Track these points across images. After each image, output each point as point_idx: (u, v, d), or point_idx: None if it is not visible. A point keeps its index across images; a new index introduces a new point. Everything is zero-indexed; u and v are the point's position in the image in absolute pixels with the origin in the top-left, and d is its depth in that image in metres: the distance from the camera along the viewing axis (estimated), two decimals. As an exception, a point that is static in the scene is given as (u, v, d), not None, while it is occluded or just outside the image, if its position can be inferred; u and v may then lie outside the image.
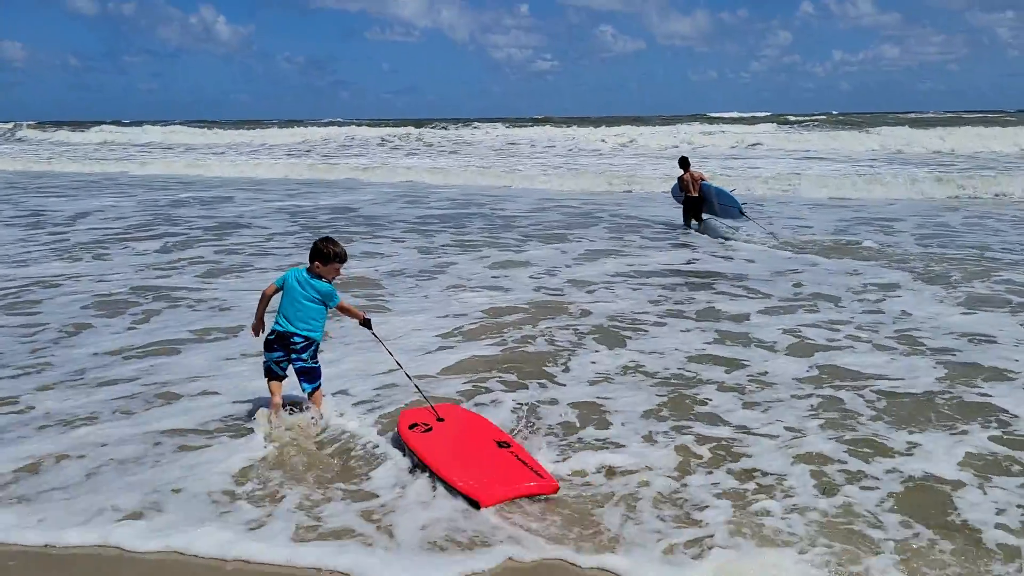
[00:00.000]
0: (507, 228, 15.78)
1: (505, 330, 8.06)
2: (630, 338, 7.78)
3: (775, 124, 54.56)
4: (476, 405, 6.05)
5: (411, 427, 5.17)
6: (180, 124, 72.96)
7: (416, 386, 5.75)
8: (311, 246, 5.42)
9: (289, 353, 5.47)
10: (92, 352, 7.28)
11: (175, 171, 33.79)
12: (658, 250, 13.13)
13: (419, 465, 4.86)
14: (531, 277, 10.82)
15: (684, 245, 13.76)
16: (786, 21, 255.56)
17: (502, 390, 6.40)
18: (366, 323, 5.66)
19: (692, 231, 15.37)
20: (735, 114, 78.13)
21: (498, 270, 11.36)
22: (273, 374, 5.58)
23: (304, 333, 5.43)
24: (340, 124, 66.25)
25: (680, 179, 15.74)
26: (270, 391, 5.60)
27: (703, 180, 15.45)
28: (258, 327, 5.73)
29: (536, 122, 66.38)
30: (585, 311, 8.84)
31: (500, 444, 4.96)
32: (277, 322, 5.45)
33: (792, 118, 66.40)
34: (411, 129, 55.71)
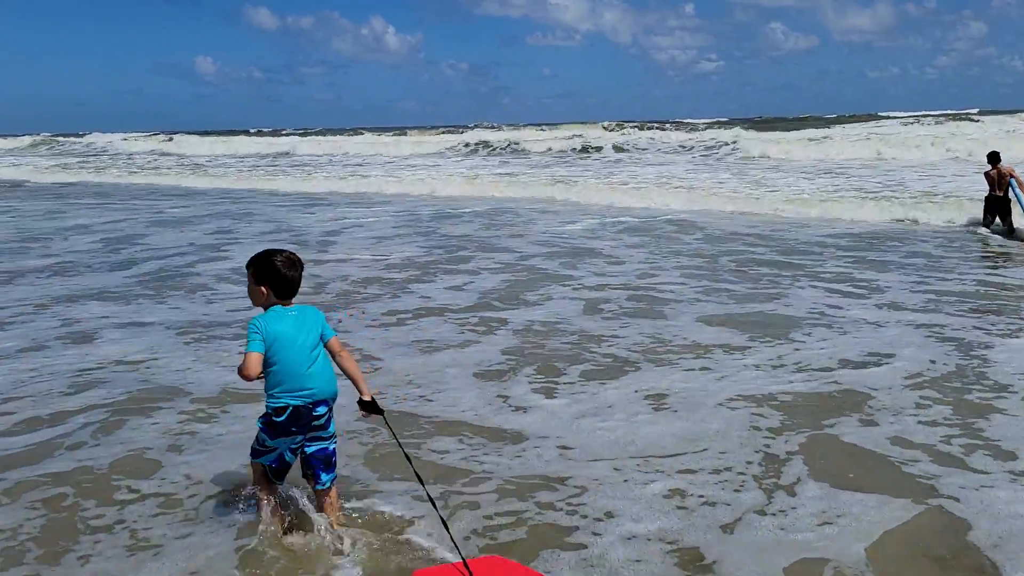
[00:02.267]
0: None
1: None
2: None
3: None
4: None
5: None
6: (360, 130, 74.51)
7: (443, 520, 3.80)
8: (256, 263, 3.87)
9: (309, 433, 3.93)
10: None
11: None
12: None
13: None
14: None
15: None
16: (980, 11, 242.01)
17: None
18: (369, 405, 4.00)
19: (987, 231, 14.29)
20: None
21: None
22: (280, 472, 4.03)
23: (333, 394, 3.95)
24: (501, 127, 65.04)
25: (986, 175, 14.45)
26: (266, 500, 4.04)
27: (1012, 177, 13.98)
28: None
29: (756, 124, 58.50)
30: None
31: None
32: (293, 392, 3.80)
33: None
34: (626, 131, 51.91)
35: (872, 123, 53.27)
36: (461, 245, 14.56)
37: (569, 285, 10.67)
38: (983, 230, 14.49)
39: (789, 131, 46.30)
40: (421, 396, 6.34)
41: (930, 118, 53.60)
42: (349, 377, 4.00)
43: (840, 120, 58.92)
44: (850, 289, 10.09)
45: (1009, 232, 13.98)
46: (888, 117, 60.36)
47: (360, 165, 42.46)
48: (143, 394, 6.48)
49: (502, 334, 8.24)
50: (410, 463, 3.97)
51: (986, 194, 14.53)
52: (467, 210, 20.76)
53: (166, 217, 20.81)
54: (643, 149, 42.88)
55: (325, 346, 3.91)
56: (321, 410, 3.89)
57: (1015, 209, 14.01)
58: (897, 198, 19.46)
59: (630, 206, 20.87)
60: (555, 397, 6.25)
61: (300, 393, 3.81)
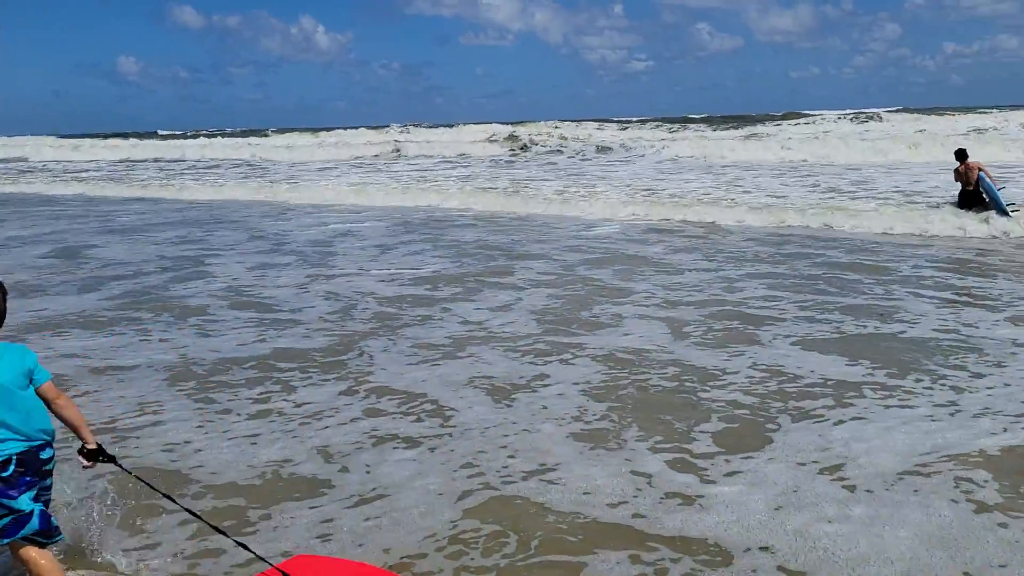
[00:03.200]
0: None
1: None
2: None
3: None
4: None
5: None
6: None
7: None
8: None
9: (43, 480, 3.38)
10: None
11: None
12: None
13: None
14: None
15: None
16: (894, 13, 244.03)
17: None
18: (94, 453, 3.49)
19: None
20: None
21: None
22: (37, 536, 3.30)
23: (50, 437, 3.40)
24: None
25: (955, 172, 14.43)
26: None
27: (980, 171, 13.99)
28: None
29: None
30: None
31: None
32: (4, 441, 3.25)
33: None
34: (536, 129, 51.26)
35: (802, 121, 52.89)
36: (489, 255, 13.07)
37: (633, 301, 9.24)
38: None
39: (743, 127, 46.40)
40: (529, 474, 4.85)
41: (861, 115, 54.21)
42: (69, 426, 3.46)
43: (769, 118, 59.25)
44: (965, 299, 8.76)
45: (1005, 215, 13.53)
46: (809, 115, 60.92)
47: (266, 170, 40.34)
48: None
49: (581, 367, 6.78)
50: (152, 487, 3.71)
51: (959, 191, 14.40)
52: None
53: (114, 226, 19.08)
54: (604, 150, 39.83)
55: (37, 392, 3.36)
56: (47, 453, 3.41)
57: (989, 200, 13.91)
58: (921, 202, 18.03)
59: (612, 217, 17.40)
60: (710, 475, 4.71)
61: (13, 436, 3.29)
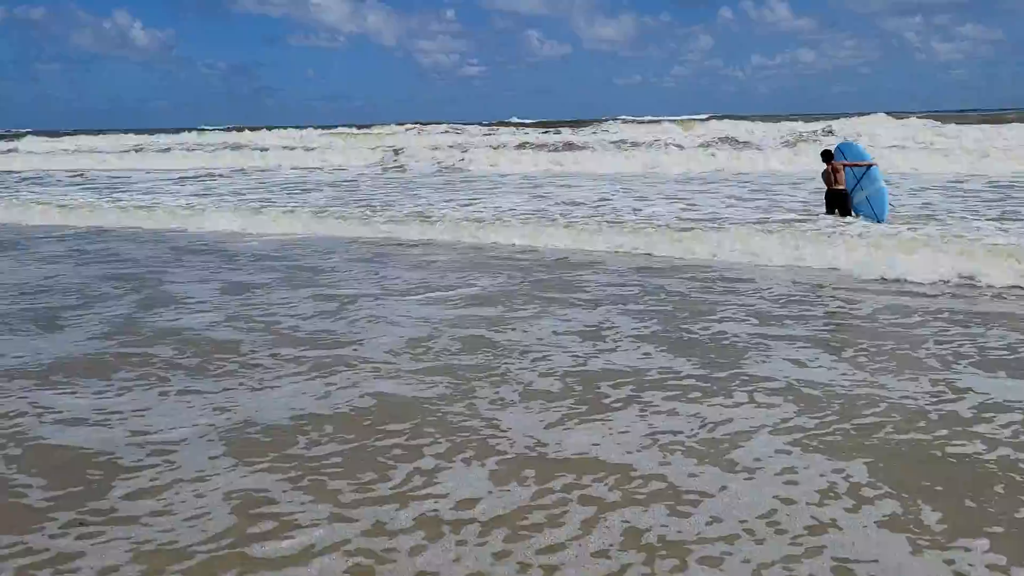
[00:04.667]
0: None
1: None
2: None
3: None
4: None
5: None
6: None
7: None
8: None
9: None
10: None
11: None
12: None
13: None
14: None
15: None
16: (708, 26, 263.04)
17: None
18: None
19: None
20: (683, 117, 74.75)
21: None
22: None
23: None
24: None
25: (823, 173, 15.02)
26: None
27: (845, 167, 14.78)
28: None
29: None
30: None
31: None
32: None
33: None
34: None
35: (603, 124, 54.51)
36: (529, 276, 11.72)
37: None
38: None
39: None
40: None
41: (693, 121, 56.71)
42: None
43: (586, 123, 60.56)
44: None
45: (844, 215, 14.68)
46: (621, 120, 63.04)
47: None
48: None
49: (781, 413, 5.78)
50: None
51: (825, 191, 15.16)
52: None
53: None
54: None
55: None
56: None
57: (860, 195, 14.77)
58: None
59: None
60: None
61: None
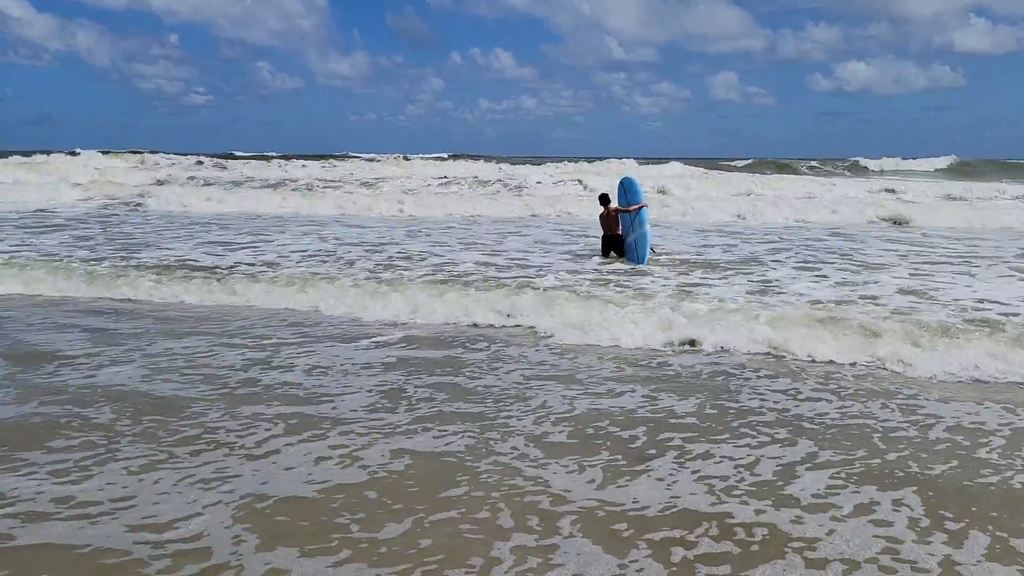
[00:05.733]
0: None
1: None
2: None
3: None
4: None
5: None
6: None
7: None
8: None
9: None
10: None
11: None
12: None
13: None
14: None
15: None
16: (438, 69, 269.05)
17: None
18: None
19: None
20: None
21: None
22: None
23: None
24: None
25: (600, 217, 15.05)
26: None
27: (621, 212, 14.76)
28: None
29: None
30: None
31: None
32: None
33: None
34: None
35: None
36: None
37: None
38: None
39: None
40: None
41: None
42: None
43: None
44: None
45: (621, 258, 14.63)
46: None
47: None
48: None
49: None
50: None
51: (602, 235, 15.12)
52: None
53: None
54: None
55: None
56: None
57: (630, 237, 14.57)
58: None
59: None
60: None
61: None
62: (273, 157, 65.36)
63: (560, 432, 6.00)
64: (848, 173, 57.10)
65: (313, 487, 4.96)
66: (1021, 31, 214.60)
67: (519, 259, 14.96)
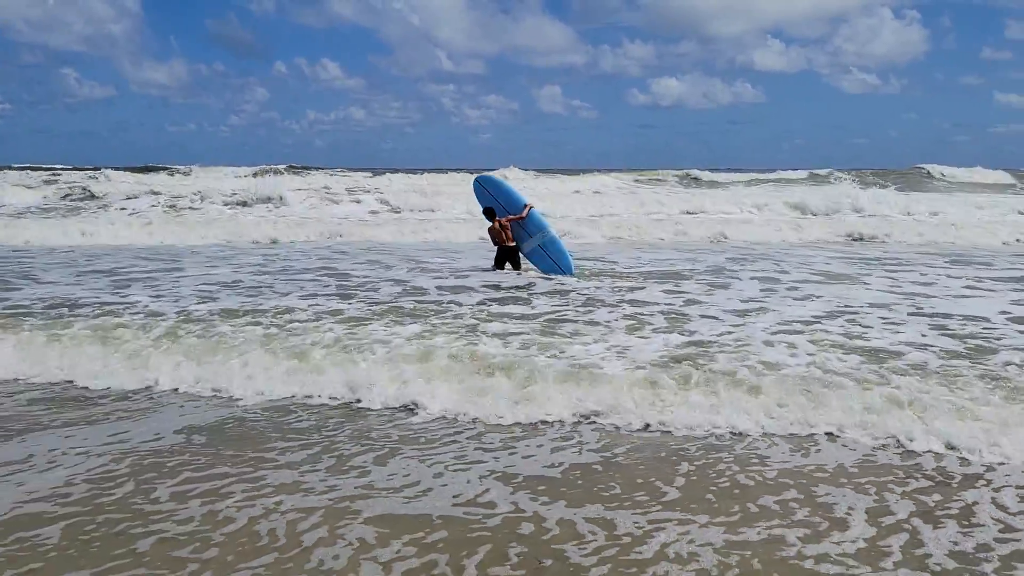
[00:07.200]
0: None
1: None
2: None
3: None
4: None
5: None
6: None
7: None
8: None
9: None
10: None
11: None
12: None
13: None
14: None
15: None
16: (262, 78, 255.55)
17: None
18: None
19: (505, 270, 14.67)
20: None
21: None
22: None
23: None
24: None
25: (490, 231, 14.77)
26: None
27: (512, 220, 14.55)
28: None
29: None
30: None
31: None
32: None
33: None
34: None
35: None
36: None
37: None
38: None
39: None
40: None
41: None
42: None
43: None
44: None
45: (517, 270, 14.65)
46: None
47: None
48: None
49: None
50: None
51: (496, 249, 14.91)
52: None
53: None
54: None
55: None
56: None
57: (531, 243, 14.59)
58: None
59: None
60: None
61: None
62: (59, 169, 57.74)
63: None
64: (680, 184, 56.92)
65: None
66: (811, 52, 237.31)
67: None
